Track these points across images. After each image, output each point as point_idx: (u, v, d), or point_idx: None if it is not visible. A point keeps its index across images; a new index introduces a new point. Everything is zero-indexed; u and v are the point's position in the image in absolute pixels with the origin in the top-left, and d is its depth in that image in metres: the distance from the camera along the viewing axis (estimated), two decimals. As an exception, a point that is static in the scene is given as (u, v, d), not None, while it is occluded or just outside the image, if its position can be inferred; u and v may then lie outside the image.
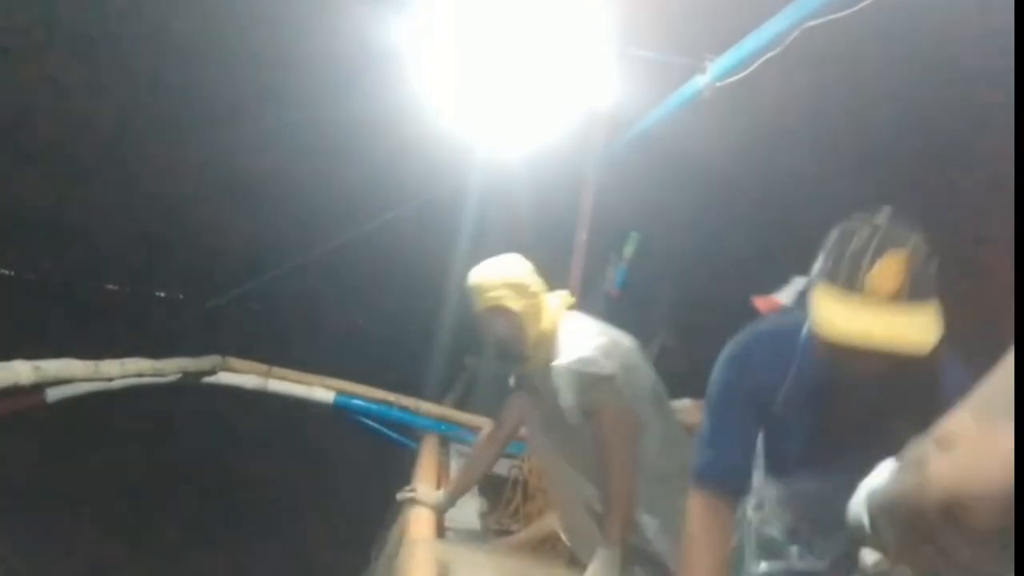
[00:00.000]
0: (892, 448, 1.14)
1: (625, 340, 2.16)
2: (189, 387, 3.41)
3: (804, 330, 1.32)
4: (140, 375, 2.82)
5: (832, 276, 1.18)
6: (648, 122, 3.19)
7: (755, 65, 2.19)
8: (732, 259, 3.03)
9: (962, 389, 1.10)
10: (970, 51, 2.28)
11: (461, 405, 4.22)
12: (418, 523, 2.14)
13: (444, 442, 3.45)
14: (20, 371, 1.97)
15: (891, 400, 1.22)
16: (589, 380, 1.96)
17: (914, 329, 1.14)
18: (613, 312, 3.92)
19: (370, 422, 3.59)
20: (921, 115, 2.73)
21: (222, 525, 4.72)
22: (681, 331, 3.90)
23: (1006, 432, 0.53)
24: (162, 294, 8.59)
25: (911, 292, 1.15)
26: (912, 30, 2.29)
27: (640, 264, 3.90)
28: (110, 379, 2.58)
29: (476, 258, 2.29)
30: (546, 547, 2.46)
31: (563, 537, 2.34)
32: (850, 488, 1.01)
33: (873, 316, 1.15)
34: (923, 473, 0.61)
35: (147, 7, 3.77)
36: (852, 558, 1.21)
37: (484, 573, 1.98)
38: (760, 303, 2.46)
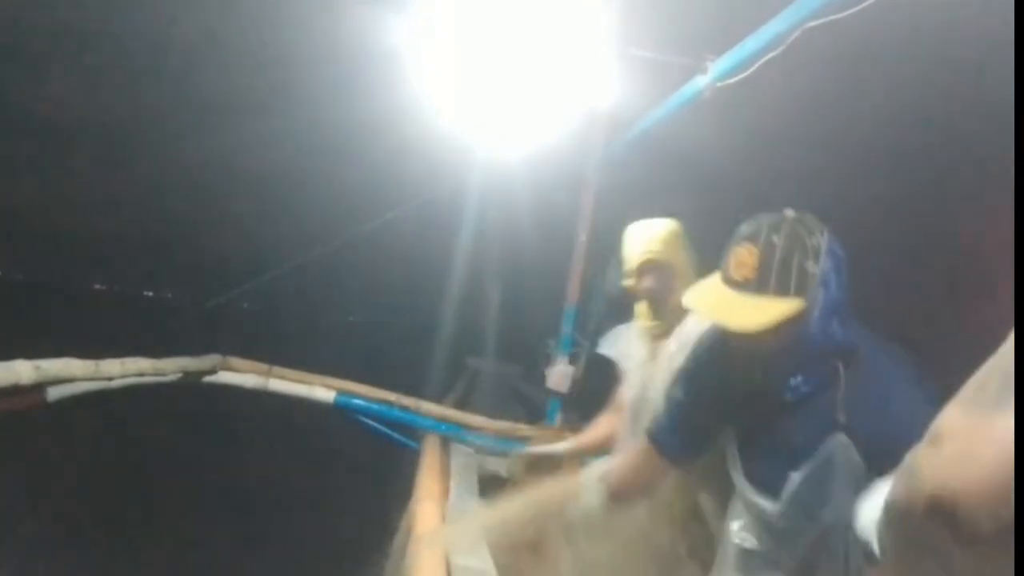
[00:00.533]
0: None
1: None
2: (189, 386, 3.41)
3: None
4: (140, 375, 2.82)
5: (719, 265, 1.38)
6: (648, 122, 3.19)
7: (756, 66, 2.19)
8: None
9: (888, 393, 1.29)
10: (972, 51, 2.28)
11: (462, 405, 4.22)
12: (425, 519, 2.14)
13: (445, 442, 3.45)
14: (20, 370, 1.97)
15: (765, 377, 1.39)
16: None
17: (738, 313, 1.29)
18: (614, 312, 3.93)
19: (370, 422, 3.59)
20: (923, 115, 2.73)
21: (221, 525, 4.73)
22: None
23: (994, 423, 0.52)
24: (161, 294, 8.60)
25: (757, 284, 1.29)
26: (913, 30, 2.29)
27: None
28: (110, 379, 2.58)
29: (476, 258, 2.30)
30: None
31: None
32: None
33: (717, 295, 1.33)
34: (914, 472, 0.60)
35: (146, 6, 3.77)
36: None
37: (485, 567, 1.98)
38: None
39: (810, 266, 1.29)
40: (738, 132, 3.22)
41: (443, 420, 3.58)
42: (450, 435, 3.50)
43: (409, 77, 3.36)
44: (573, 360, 3.67)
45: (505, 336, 7.14)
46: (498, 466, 3.20)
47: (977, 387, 0.58)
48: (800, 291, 1.28)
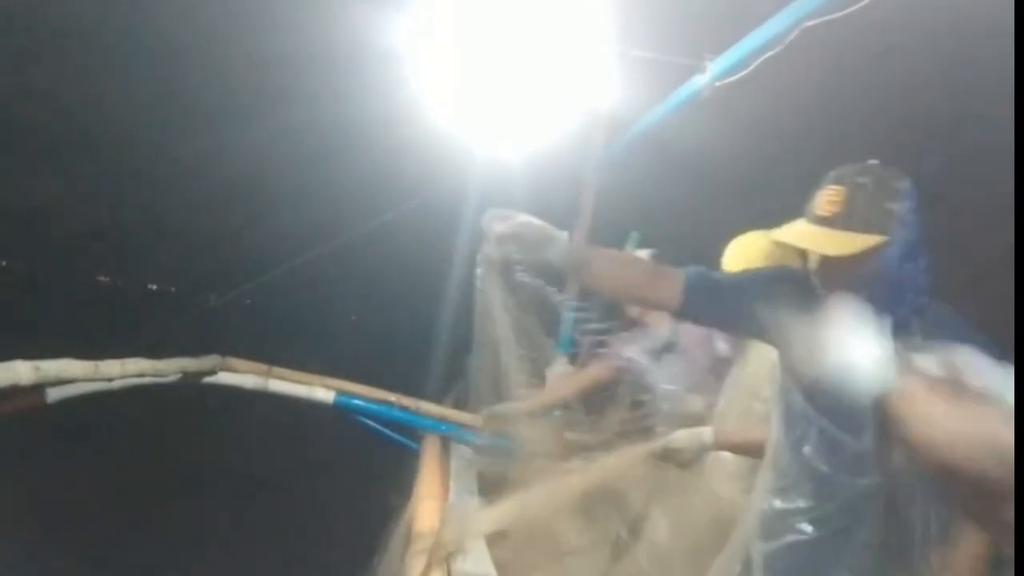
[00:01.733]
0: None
1: None
2: (189, 387, 3.41)
3: None
4: (140, 375, 2.81)
5: (806, 206, 1.47)
6: (648, 122, 3.19)
7: (754, 65, 2.20)
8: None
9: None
10: (969, 49, 2.28)
11: (461, 405, 4.22)
12: (425, 519, 2.14)
13: (445, 442, 3.44)
14: (20, 371, 1.96)
15: None
16: None
17: (826, 242, 1.38)
18: (613, 312, 3.92)
19: (370, 422, 3.59)
20: (921, 113, 2.73)
21: (221, 525, 4.73)
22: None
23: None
24: (161, 294, 8.60)
25: (845, 220, 1.39)
26: (911, 29, 2.30)
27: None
28: (110, 379, 2.57)
29: (475, 258, 2.30)
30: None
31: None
32: None
33: (805, 230, 1.43)
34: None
35: (145, 6, 3.77)
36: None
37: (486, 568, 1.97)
38: None
39: (891, 206, 1.38)
40: (737, 131, 3.23)
41: (443, 420, 3.58)
42: (450, 435, 3.50)
43: (409, 78, 3.36)
44: (572, 360, 3.67)
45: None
46: (498, 466, 3.20)
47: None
48: (883, 228, 1.37)
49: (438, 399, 4.10)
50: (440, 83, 3.37)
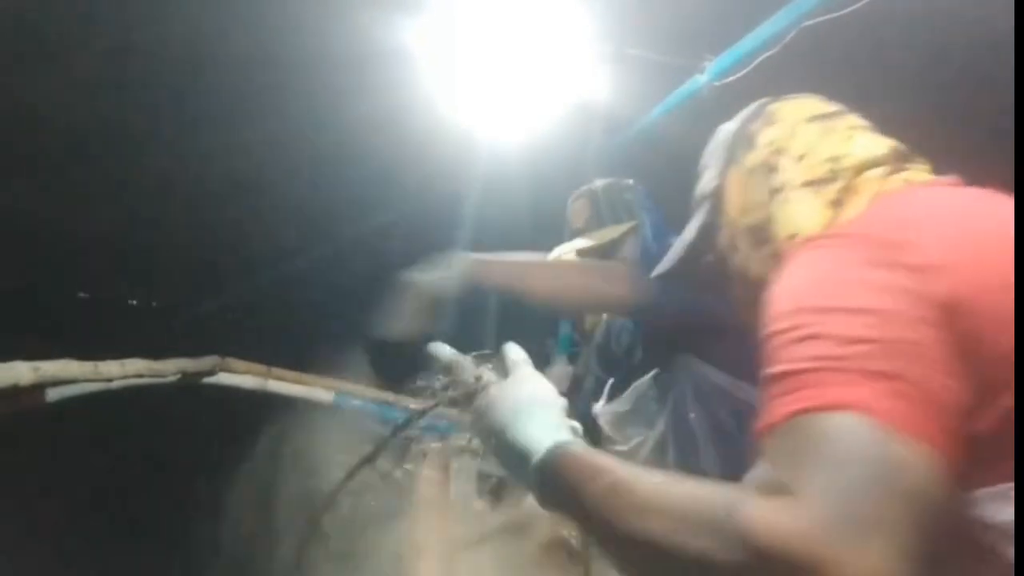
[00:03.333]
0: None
1: None
2: (189, 388, 3.41)
3: None
4: (140, 376, 2.82)
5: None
6: (647, 122, 3.20)
7: (753, 64, 2.20)
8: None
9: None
10: (967, 49, 2.29)
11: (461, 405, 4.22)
12: (423, 520, 2.14)
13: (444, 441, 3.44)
14: (20, 371, 1.97)
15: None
16: None
17: (588, 242, 1.64)
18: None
19: (370, 422, 3.58)
20: (919, 113, 2.73)
21: (220, 525, 4.72)
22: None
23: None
24: (161, 294, 8.61)
25: (597, 222, 1.70)
26: (909, 29, 2.30)
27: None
28: (110, 380, 2.58)
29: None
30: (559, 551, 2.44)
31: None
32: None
33: (572, 244, 1.72)
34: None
35: (146, 6, 3.77)
36: None
37: (486, 571, 1.98)
38: None
39: (628, 196, 1.71)
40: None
41: (442, 420, 3.58)
42: (450, 435, 3.50)
43: (408, 78, 3.36)
44: (572, 360, 3.67)
45: (505, 336, 7.12)
46: (498, 466, 3.19)
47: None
48: (630, 215, 1.66)
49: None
50: (439, 84, 3.38)
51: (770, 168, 0.91)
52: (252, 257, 6.81)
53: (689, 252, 1.01)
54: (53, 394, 2.30)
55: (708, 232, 0.99)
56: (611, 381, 1.71)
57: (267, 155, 5.18)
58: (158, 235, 6.77)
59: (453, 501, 2.56)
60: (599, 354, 1.77)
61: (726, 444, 1.48)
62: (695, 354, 1.53)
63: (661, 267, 1.06)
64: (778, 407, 0.61)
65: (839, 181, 0.84)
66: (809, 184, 0.86)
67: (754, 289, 0.86)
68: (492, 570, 2.05)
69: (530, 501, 2.70)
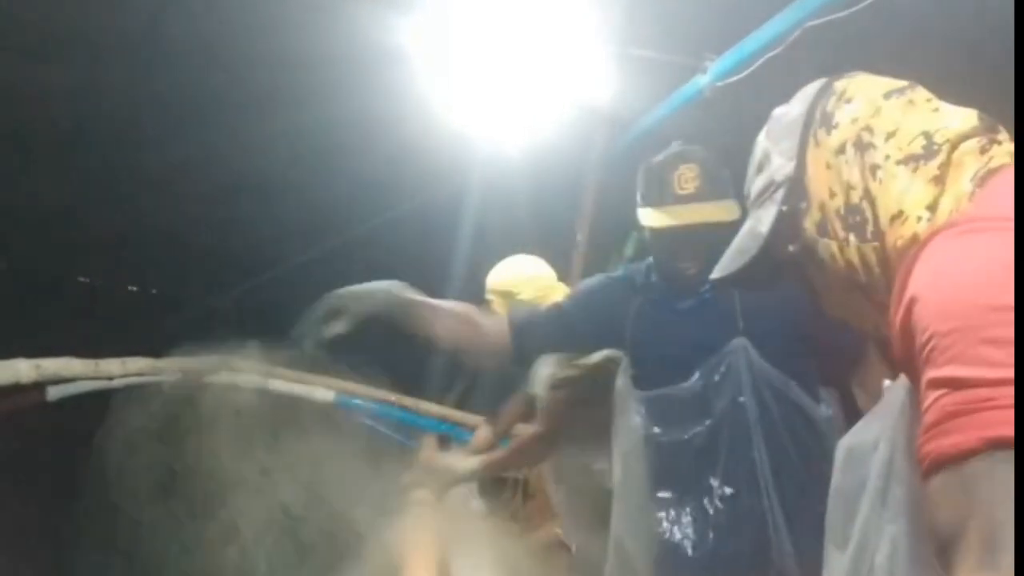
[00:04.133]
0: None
1: None
2: (189, 387, 3.41)
3: (638, 273, 1.68)
4: (140, 374, 2.82)
5: (647, 198, 1.55)
6: (648, 122, 3.20)
7: (756, 65, 2.20)
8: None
9: (787, 299, 1.29)
10: (970, 49, 2.29)
11: (462, 405, 4.23)
12: (417, 523, 2.14)
13: (445, 442, 3.45)
14: (21, 369, 1.97)
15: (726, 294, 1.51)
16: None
17: (715, 212, 1.46)
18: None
19: (370, 422, 3.59)
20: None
21: (219, 525, 4.72)
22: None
23: None
24: (161, 293, 8.61)
25: (708, 192, 1.50)
26: (912, 29, 2.30)
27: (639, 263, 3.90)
28: (110, 378, 2.58)
29: (476, 258, 2.35)
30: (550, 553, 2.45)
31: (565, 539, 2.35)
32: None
33: (682, 210, 1.49)
34: None
35: (146, 6, 3.77)
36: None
37: (484, 572, 1.98)
38: None
39: (726, 172, 1.53)
40: (738, 132, 3.22)
41: (443, 420, 3.59)
42: (450, 435, 3.50)
43: (408, 78, 3.35)
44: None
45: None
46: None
47: None
48: (731, 192, 1.50)
49: (438, 399, 4.10)
50: (440, 84, 3.38)
51: (861, 146, 0.86)
52: (252, 257, 6.81)
53: (764, 245, 0.94)
54: (54, 392, 2.31)
55: (786, 221, 0.92)
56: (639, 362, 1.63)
57: (266, 155, 5.18)
58: (158, 235, 6.77)
59: (452, 500, 2.56)
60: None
61: (777, 443, 1.46)
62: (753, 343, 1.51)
63: (729, 266, 0.98)
64: (968, 426, 0.51)
65: (937, 156, 0.80)
66: (906, 161, 0.81)
67: (850, 275, 0.83)
68: (490, 568, 2.05)
69: (529, 502, 2.70)
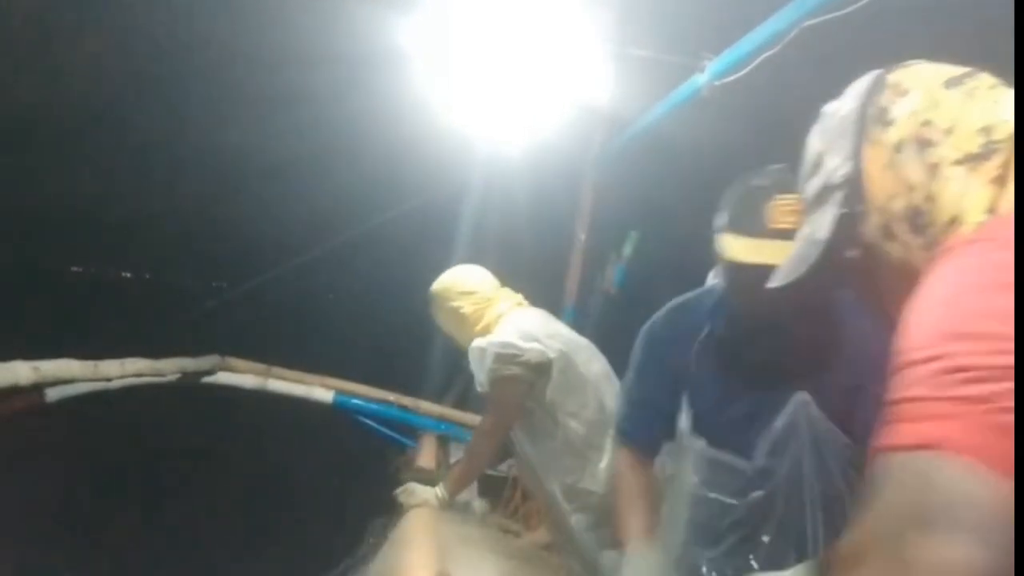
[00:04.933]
0: (795, 386, 1.40)
1: (565, 334, 2.36)
2: (188, 387, 3.41)
3: (714, 294, 1.54)
4: (139, 375, 2.82)
5: (736, 224, 1.35)
6: (647, 121, 3.19)
7: (753, 64, 2.19)
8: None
9: (863, 334, 1.29)
10: (971, 48, 2.28)
11: (460, 405, 4.23)
12: (415, 523, 2.14)
13: (444, 442, 3.45)
14: (19, 371, 1.97)
15: (794, 343, 1.40)
16: (498, 357, 2.17)
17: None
18: (612, 311, 3.92)
19: (369, 421, 3.59)
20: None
21: (221, 525, 4.72)
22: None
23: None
24: (161, 293, 8.60)
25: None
26: (911, 28, 2.30)
27: (639, 263, 3.90)
28: (109, 379, 2.58)
29: (476, 257, 2.35)
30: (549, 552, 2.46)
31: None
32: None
33: (776, 246, 1.26)
34: None
35: (144, 5, 3.77)
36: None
37: (484, 572, 1.98)
38: None
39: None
40: (736, 131, 3.22)
41: (442, 419, 3.59)
42: (448, 434, 3.51)
43: (410, 77, 3.35)
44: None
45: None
46: (498, 466, 3.20)
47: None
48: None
49: (437, 399, 4.10)
50: (440, 83, 3.37)
51: (921, 143, 0.80)
52: (252, 256, 6.81)
53: (825, 251, 0.89)
54: (52, 394, 2.30)
55: (845, 225, 0.86)
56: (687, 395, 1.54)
57: (266, 155, 5.18)
58: (157, 235, 6.76)
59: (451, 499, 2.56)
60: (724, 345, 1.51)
61: (833, 507, 1.40)
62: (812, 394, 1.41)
63: (789, 274, 0.92)
64: (897, 433, 0.58)
65: (997, 155, 0.74)
66: (964, 161, 0.76)
67: (913, 280, 0.76)
68: (489, 567, 2.05)
69: (528, 501, 2.69)
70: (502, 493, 3.04)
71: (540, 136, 3.62)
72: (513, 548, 2.46)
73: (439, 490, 2.26)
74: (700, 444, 1.50)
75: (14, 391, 1.97)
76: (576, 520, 2.15)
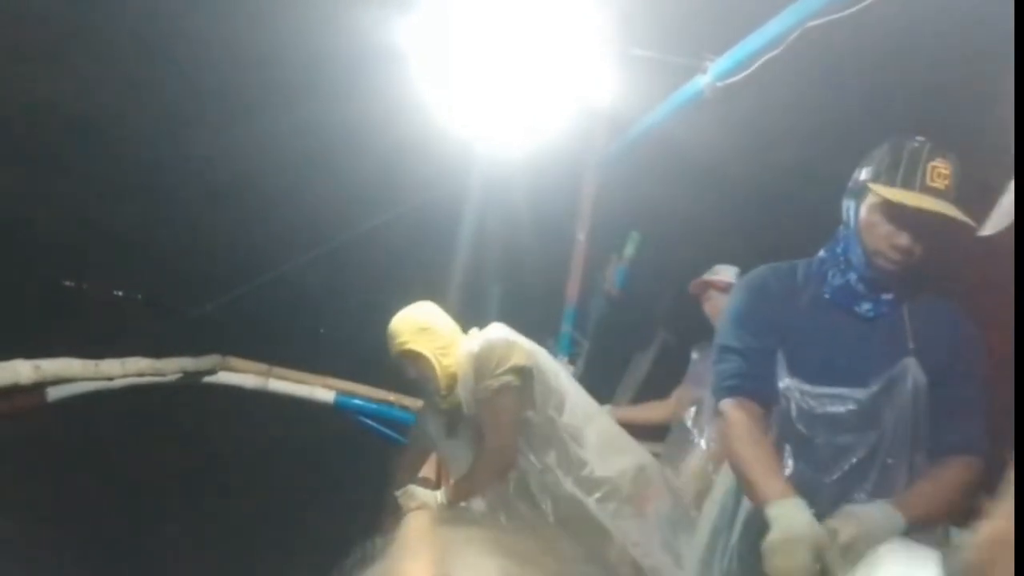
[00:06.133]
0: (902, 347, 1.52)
1: (529, 343, 2.34)
2: (189, 387, 3.42)
3: (810, 265, 1.63)
4: (140, 375, 2.82)
5: (890, 177, 1.45)
6: (648, 122, 3.19)
7: (756, 65, 2.19)
8: (732, 258, 3.05)
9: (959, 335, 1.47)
10: (972, 48, 2.28)
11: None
12: (415, 525, 2.14)
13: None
14: (21, 370, 1.97)
15: (912, 305, 1.52)
16: (491, 362, 2.18)
17: (962, 214, 1.38)
18: (613, 312, 3.92)
19: (370, 422, 3.59)
20: (923, 113, 2.73)
21: (220, 525, 4.72)
22: (681, 331, 3.89)
23: None
24: (162, 293, 8.61)
25: (956, 194, 1.41)
26: (913, 28, 2.30)
27: (640, 264, 3.90)
28: (110, 378, 2.58)
29: (476, 258, 2.34)
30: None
31: None
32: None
33: (932, 199, 1.39)
34: None
35: (142, 5, 3.76)
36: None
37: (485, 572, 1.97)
38: (695, 285, 2.87)
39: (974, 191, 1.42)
40: (738, 132, 3.22)
41: (443, 420, 3.59)
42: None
43: (409, 78, 3.35)
44: (572, 360, 3.67)
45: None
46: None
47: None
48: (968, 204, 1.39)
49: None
50: (441, 83, 3.37)
51: None
52: (252, 256, 6.81)
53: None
54: (54, 393, 2.31)
55: None
56: (787, 350, 1.58)
57: (265, 155, 5.18)
58: (157, 235, 6.77)
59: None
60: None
61: (915, 459, 1.49)
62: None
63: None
64: None
65: None
66: None
67: None
68: (489, 568, 2.04)
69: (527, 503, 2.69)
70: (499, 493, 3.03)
71: (541, 136, 3.62)
72: (513, 548, 2.45)
73: (440, 495, 2.25)
74: (806, 387, 1.55)
75: (15, 390, 1.97)
76: (600, 508, 2.15)
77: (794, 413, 1.55)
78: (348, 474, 5.31)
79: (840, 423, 1.51)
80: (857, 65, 2.66)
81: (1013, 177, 0.87)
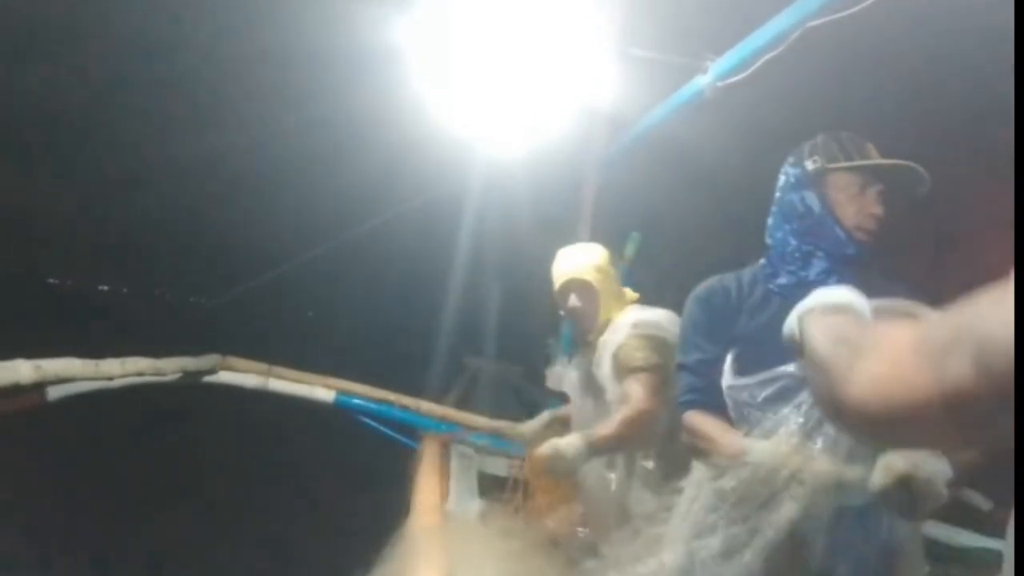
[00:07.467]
0: None
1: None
2: (189, 386, 3.41)
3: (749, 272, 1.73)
4: (140, 374, 2.82)
5: (846, 155, 1.61)
6: (649, 122, 3.19)
7: (756, 65, 2.19)
8: (732, 259, 3.05)
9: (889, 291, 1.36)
10: (973, 48, 2.28)
11: (462, 405, 4.23)
12: (421, 526, 2.14)
13: (445, 441, 3.45)
14: (21, 370, 1.97)
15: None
16: (645, 340, 2.11)
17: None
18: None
19: (370, 421, 3.59)
20: (923, 113, 2.73)
21: (222, 525, 4.73)
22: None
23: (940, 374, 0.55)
24: (162, 293, 8.61)
25: None
26: (914, 29, 2.30)
27: (641, 264, 3.90)
28: (111, 378, 2.58)
29: (477, 258, 2.34)
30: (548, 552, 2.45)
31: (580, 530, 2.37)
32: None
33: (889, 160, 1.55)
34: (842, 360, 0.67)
35: (140, 5, 3.77)
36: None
37: (486, 573, 1.98)
38: None
39: None
40: (738, 132, 3.23)
41: (443, 420, 3.59)
42: (450, 434, 3.50)
43: (410, 78, 3.35)
44: (573, 359, 3.67)
45: (505, 336, 7.14)
46: (498, 466, 3.20)
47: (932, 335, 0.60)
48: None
49: (438, 399, 4.11)
50: (441, 83, 3.37)
51: None
52: (252, 257, 6.81)
53: None
54: (54, 392, 2.31)
55: None
56: (735, 352, 1.61)
57: (265, 155, 5.18)
58: (158, 235, 6.76)
59: (452, 499, 2.56)
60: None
61: None
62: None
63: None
64: None
65: None
66: None
67: None
68: (489, 566, 2.05)
69: (528, 502, 2.69)
70: (502, 494, 3.04)
71: (541, 137, 3.62)
72: (514, 548, 2.46)
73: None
74: (744, 380, 1.57)
75: (16, 389, 1.97)
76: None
77: (740, 410, 1.58)
78: (348, 474, 5.32)
79: (778, 400, 1.51)
80: (857, 65, 2.66)
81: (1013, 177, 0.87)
